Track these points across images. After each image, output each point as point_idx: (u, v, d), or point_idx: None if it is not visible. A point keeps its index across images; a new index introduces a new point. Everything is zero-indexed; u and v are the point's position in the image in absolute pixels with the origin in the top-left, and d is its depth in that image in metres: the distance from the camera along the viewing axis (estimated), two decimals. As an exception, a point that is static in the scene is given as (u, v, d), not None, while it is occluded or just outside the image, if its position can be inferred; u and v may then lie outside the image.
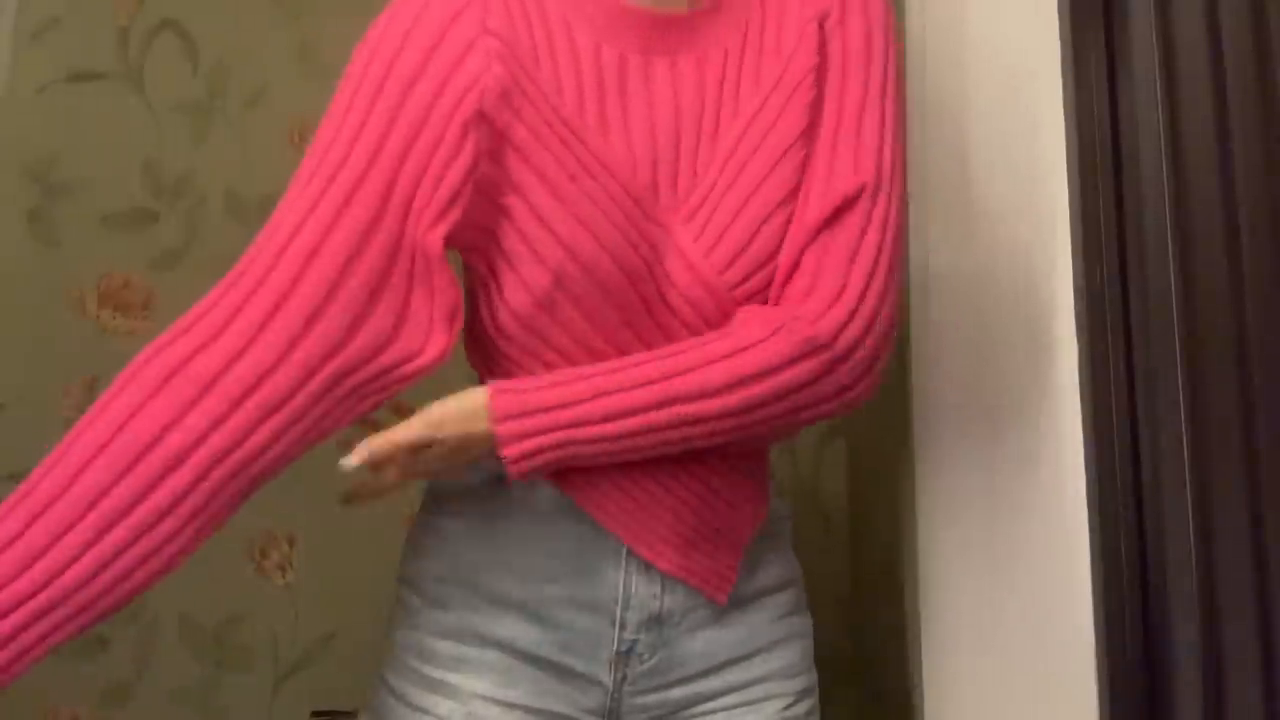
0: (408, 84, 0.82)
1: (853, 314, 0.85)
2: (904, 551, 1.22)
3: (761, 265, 0.86)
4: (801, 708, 0.94)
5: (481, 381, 0.94)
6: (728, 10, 0.91)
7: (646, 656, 0.90)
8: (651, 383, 0.83)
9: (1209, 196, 1.01)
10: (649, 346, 0.86)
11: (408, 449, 0.83)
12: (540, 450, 0.83)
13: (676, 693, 0.91)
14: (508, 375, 0.89)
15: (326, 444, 1.81)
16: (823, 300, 0.85)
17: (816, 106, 0.89)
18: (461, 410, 0.83)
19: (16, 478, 0.74)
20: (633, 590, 0.89)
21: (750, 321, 0.85)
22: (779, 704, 0.93)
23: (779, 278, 0.87)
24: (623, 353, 0.86)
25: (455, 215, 0.83)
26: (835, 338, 0.84)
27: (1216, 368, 1.01)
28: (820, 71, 0.90)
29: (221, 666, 1.66)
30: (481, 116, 0.82)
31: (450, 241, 0.86)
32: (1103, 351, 1.10)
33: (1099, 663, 1.07)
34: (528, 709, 0.89)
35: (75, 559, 0.72)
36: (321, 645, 1.66)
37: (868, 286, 0.86)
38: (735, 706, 0.92)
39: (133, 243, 1.76)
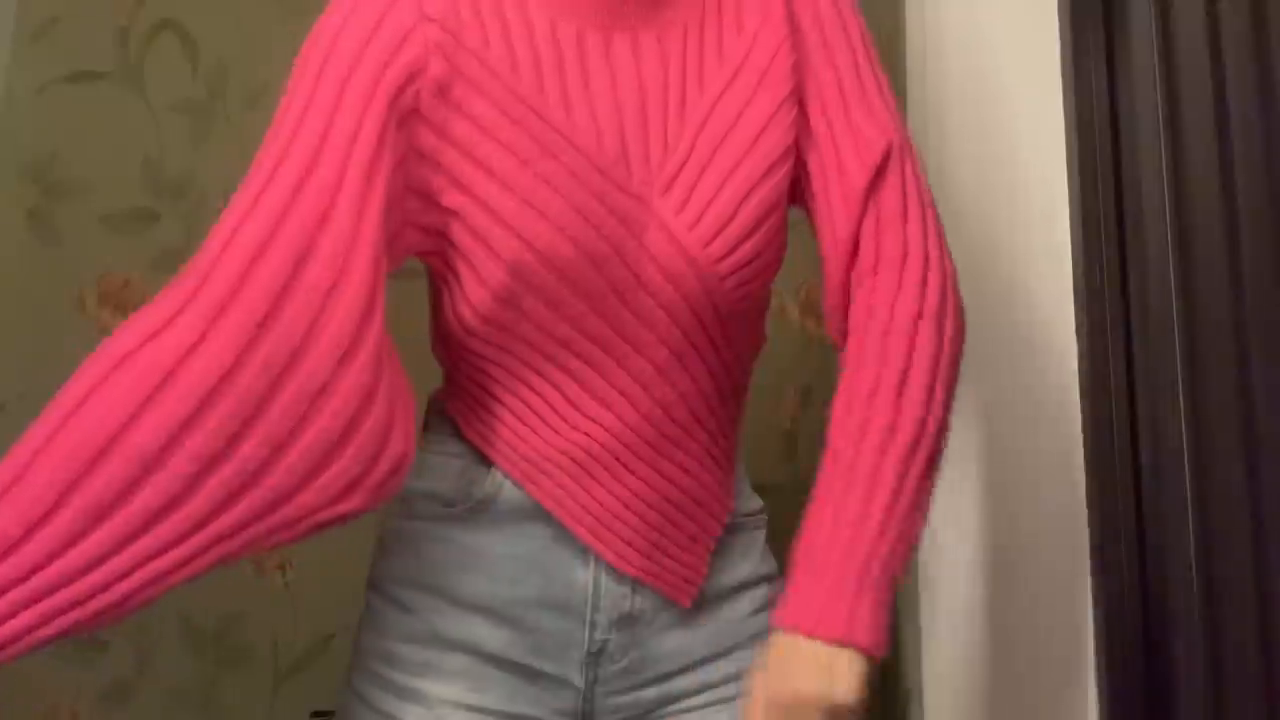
0: (344, 76, 0.79)
1: (926, 266, 0.86)
2: (904, 551, 1.22)
3: (747, 237, 0.85)
4: None
5: (447, 376, 0.94)
6: None
7: (618, 657, 0.89)
8: (894, 446, 0.80)
9: (1209, 195, 1.01)
10: (620, 333, 0.85)
11: None
12: (883, 616, 0.78)
13: (650, 692, 0.90)
14: (478, 370, 0.89)
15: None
16: (893, 268, 0.85)
17: (801, 70, 0.89)
18: (800, 666, 0.77)
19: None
20: (603, 590, 0.89)
21: (891, 333, 0.83)
22: None
23: (841, 250, 0.87)
24: (594, 342, 0.85)
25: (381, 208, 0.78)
26: (935, 292, 0.85)
27: (1216, 367, 1.00)
28: (797, 38, 0.90)
29: (221, 666, 1.66)
30: (416, 114, 0.80)
31: (410, 248, 0.84)
32: (1103, 351, 1.10)
33: (1099, 663, 1.07)
34: (498, 713, 0.87)
35: (55, 553, 0.68)
36: (321, 645, 1.66)
37: (925, 236, 0.87)
38: (709, 704, 0.91)
39: (133, 243, 1.76)
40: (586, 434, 0.86)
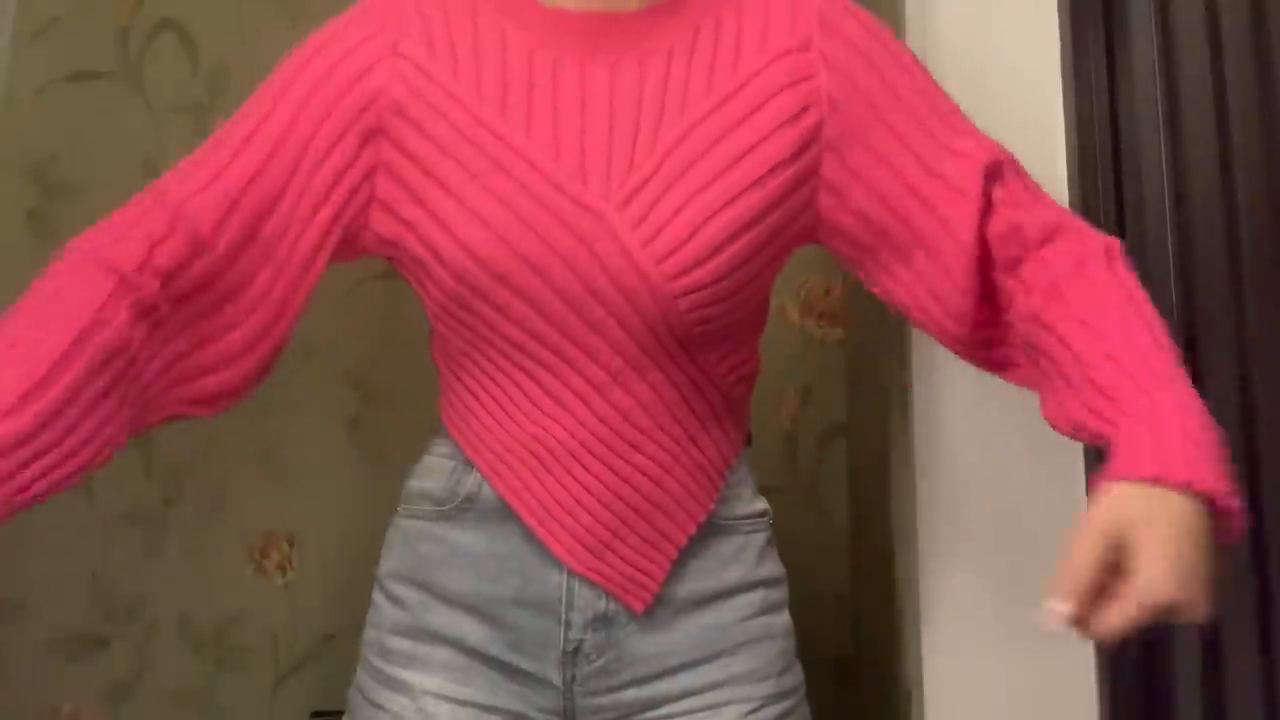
0: (308, 93, 0.88)
1: (1065, 216, 0.88)
2: (904, 551, 1.22)
3: (705, 260, 0.84)
4: (768, 713, 0.92)
5: (439, 378, 0.98)
6: (681, 12, 0.91)
7: (594, 656, 0.90)
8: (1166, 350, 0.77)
9: (1209, 194, 1.01)
10: (570, 338, 0.87)
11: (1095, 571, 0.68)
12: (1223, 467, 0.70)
13: (630, 695, 0.91)
14: (456, 365, 0.93)
15: (325, 447, 1.80)
16: (1067, 233, 0.86)
17: (846, 109, 0.89)
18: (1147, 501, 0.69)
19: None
20: (576, 589, 0.90)
21: (1092, 264, 0.83)
22: (740, 709, 0.91)
23: (966, 252, 0.85)
24: (543, 345, 0.87)
25: (337, 220, 0.88)
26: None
27: (1216, 367, 1.01)
28: (837, 80, 0.89)
29: (221, 666, 1.66)
30: (381, 132, 0.87)
31: (367, 250, 0.91)
32: (1103, 351, 1.09)
33: (1099, 663, 1.07)
34: (481, 707, 0.90)
35: (36, 431, 0.71)
36: (321, 645, 1.66)
37: (1072, 214, 0.89)
38: (692, 712, 0.90)
39: (133, 243, 1.76)
40: (544, 429, 0.89)
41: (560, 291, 0.85)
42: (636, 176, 0.85)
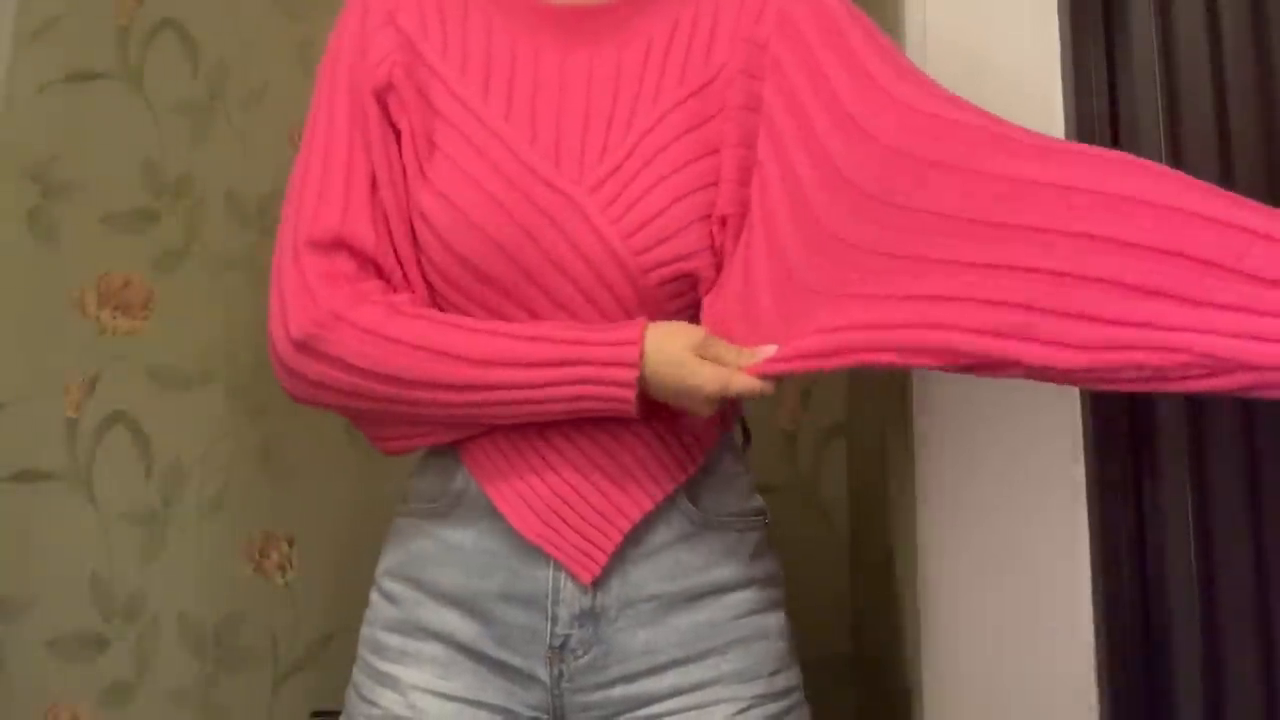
0: (347, 77, 0.94)
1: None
2: (904, 552, 1.22)
3: (666, 239, 0.88)
4: (756, 714, 0.91)
5: None
6: (660, 3, 0.94)
7: (581, 652, 0.90)
8: None
9: (1209, 196, 1.01)
10: (536, 314, 0.89)
11: None
12: None
13: (618, 692, 0.90)
14: None
15: (325, 447, 1.80)
16: None
17: (780, 102, 0.90)
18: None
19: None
20: (562, 584, 0.90)
21: None
22: (728, 709, 0.90)
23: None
24: (502, 318, 0.89)
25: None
26: None
27: (1216, 368, 1.00)
28: (780, 75, 0.90)
29: (221, 666, 1.66)
30: (387, 100, 0.92)
31: None
32: (1103, 351, 1.09)
33: (1099, 663, 1.07)
34: (467, 701, 0.90)
35: None
36: (321, 645, 1.66)
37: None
38: (681, 711, 0.90)
39: (133, 243, 1.76)
40: None
41: (526, 269, 0.88)
42: (608, 163, 0.89)
